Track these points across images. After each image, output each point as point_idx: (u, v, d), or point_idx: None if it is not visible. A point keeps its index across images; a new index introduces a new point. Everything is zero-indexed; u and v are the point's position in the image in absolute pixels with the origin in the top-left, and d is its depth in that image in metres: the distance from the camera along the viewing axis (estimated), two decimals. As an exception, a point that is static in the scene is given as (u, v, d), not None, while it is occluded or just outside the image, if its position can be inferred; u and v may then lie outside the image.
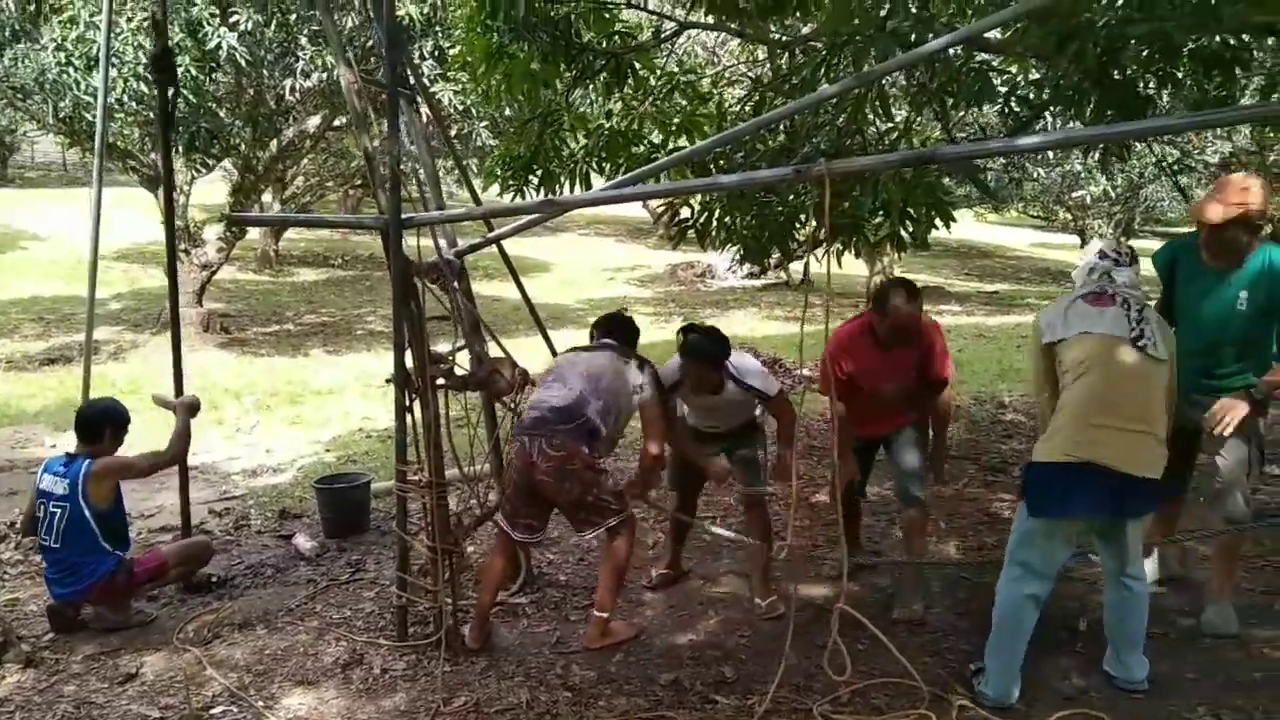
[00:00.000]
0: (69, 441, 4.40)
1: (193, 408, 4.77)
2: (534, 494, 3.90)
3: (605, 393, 3.92)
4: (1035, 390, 3.51)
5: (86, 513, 4.19)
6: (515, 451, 3.94)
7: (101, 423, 4.39)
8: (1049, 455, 3.28)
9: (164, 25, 4.93)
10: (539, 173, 5.58)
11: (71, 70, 9.05)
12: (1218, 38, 3.94)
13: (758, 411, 4.42)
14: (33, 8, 9.49)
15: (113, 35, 7.62)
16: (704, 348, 4.09)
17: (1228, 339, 3.76)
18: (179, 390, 5.02)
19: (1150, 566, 4.33)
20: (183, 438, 4.63)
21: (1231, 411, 3.59)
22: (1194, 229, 3.88)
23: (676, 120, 5.44)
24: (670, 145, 5.43)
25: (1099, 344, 3.25)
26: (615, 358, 4.06)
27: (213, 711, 3.54)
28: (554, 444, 3.80)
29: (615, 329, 4.27)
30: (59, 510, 4.20)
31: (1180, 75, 4.43)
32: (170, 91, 4.85)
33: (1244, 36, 4.03)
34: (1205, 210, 3.66)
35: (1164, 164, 13.85)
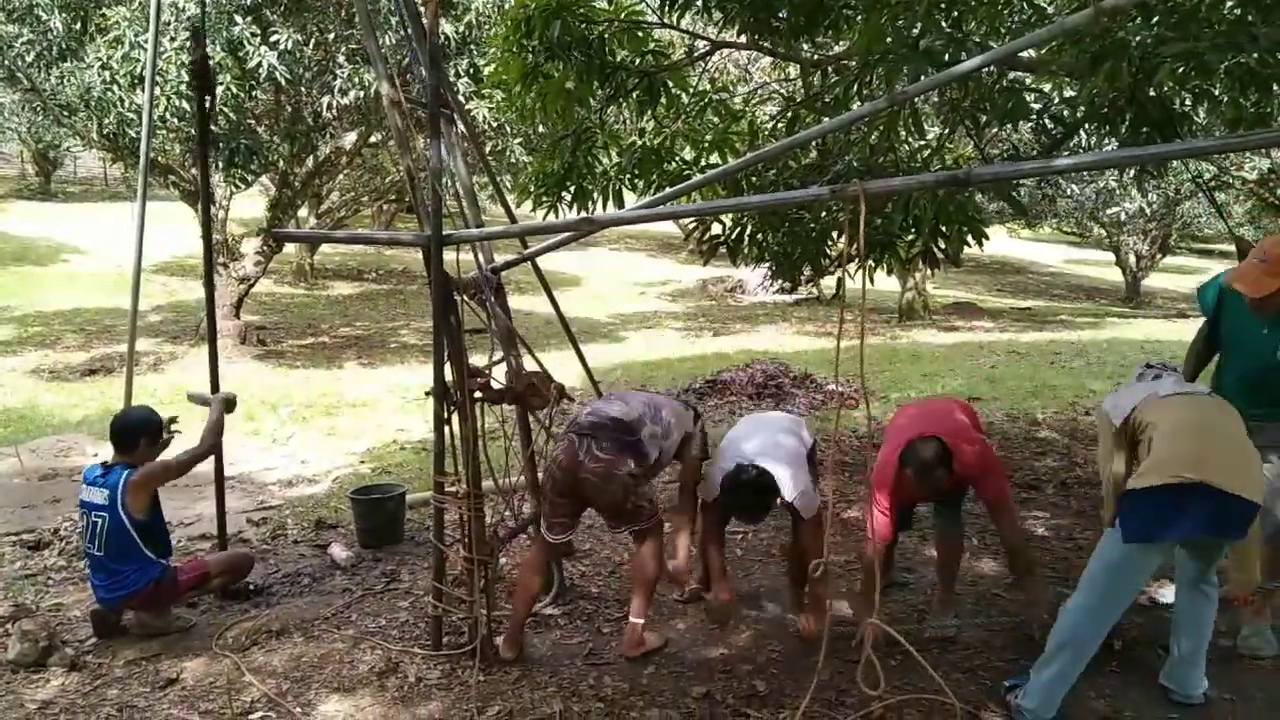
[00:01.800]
0: (110, 450, 4.50)
1: (228, 402, 4.82)
2: (574, 492, 3.96)
3: (663, 423, 4.04)
4: (1103, 465, 3.54)
5: (126, 522, 4.27)
6: (562, 449, 4.00)
7: (136, 432, 4.44)
8: (1156, 479, 3.19)
9: (203, 38, 5.02)
10: (572, 189, 5.66)
11: (116, 88, 9.26)
12: (1254, 56, 3.93)
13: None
14: (79, 27, 9.73)
15: (157, 54, 7.80)
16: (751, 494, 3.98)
17: (1268, 384, 3.73)
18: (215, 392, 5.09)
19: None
20: (215, 430, 4.67)
21: None
22: (1234, 250, 3.88)
23: (709, 138, 5.50)
24: (703, 162, 5.48)
25: (1172, 395, 3.38)
26: (678, 405, 4.27)
27: (251, 717, 3.60)
28: (603, 448, 3.87)
29: None
30: (100, 520, 4.28)
31: (1216, 93, 4.42)
32: (207, 101, 4.92)
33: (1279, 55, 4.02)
34: (1253, 282, 3.54)
35: (1200, 180, 13.73)
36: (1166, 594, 4.36)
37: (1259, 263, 3.54)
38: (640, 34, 5.63)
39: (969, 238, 4.91)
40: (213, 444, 4.69)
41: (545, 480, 4.06)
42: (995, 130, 6.09)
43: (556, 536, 4.08)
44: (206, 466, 4.94)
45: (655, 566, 4.01)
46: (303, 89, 10.83)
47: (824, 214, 5.46)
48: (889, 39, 4.35)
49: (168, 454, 4.55)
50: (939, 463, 3.78)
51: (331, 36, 10.35)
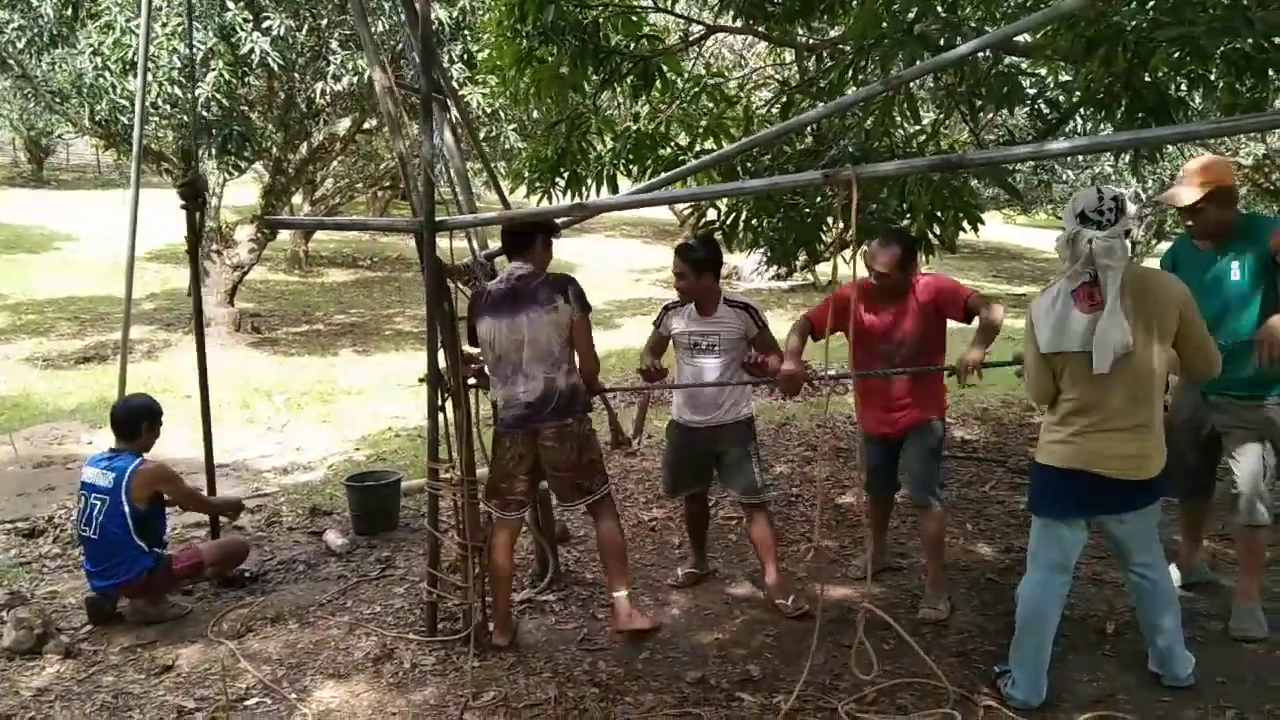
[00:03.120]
0: (104, 438, 4.52)
1: (237, 508, 5.18)
2: (534, 465, 3.96)
3: (557, 356, 3.87)
4: (1029, 380, 3.41)
5: (126, 509, 4.28)
6: (511, 441, 3.96)
7: (137, 418, 4.51)
8: (1047, 459, 3.32)
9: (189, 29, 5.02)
10: (566, 175, 5.63)
11: (108, 74, 9.19)
12: (1249, 41, 3.92)
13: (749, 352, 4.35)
14: (70, 13, 9.65)
15: (149, 40, 7.75)
16: (701, 248, 4.26)
17: (1232, 316, 3.74)
18: (204, 386, 5.09)
19: (1173, 576, 4.32)
20: (216, 507, 5.06)
21: (1271, 338, 3.46)
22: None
23: (704, 123, 5.48)
24: (698, 148, 5.46)
25: (1085, 363, 3.15)
26: (541, 311, 3.83)
27: (247, 703, 3.61)
28: (545, 423, 3.87)
29: (520, 244, 3.98)
30: (99, 502, 4.30)
31: (1212, 78, 4.41)
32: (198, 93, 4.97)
33: (1276, 40, 4.01)
34: (1176, 197, 3.75)
35: (1178, 179, 13.71)
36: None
37: (1179, 184, 3.75)
38: (635, 18, 5.60)
39: (964, 223, 4.90)
40: (210, 512, 5.05)
41: (508, 459, 3.98)
42: (990, 115, 6.08)
43: (515, 515, 4.05)
44: (198, 453, 4.97)
45: (620, 537, 4.04)
46: (296, 75, 10.75)
47: (819, 199, 5.45)
48: (884, 23, 4.33)
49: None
50: (903, 250, 4.00)
51: (324, 22, 10.27)
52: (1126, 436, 3.19)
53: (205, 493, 5.12)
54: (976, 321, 3.99)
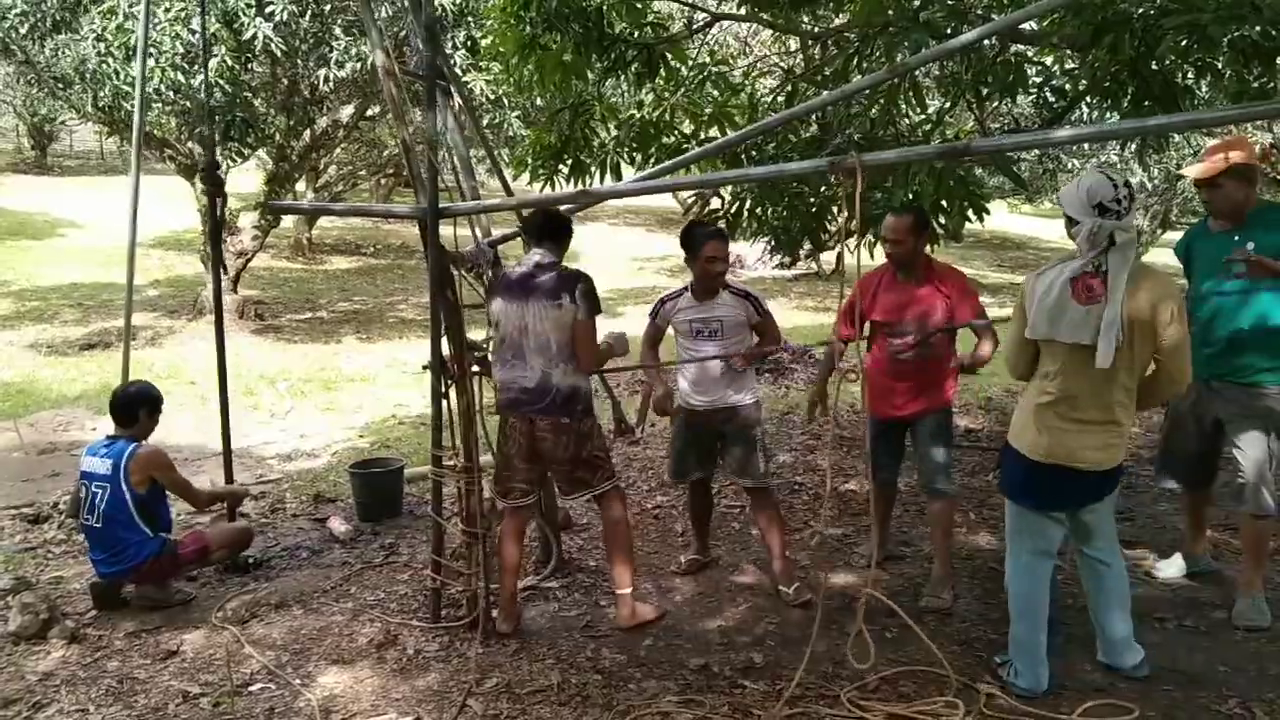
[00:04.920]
0: (108, 424, 4.53)
1: (239, 497, 5.18)
2: (532, 453, 3.96)
3: (554, 352, 3.85)
4: (1010, 357, 3.37)
5: (126, 494, 4.30)
6: (508, 426, 4.00)
7: (135, 405, 4.52)
8: (1023, 448, 3.31)
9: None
10: (569, 162, 5.62)
11: (111, 60, 9.16)
12: (1257, 28, 3.90)
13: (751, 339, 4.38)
14: (73, -1, 9.63)
15: (151, 26, 7.73)
16: (704, 225, 4.35)
17: (1241, 300, 3.74)
18: (222, 375, 5.09)
19: (1176, 565, 4.33)
20: (211, 500, 4.98)
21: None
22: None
23: (708, 111, 5.46)
24: (702, 136, 5.45)
25: (1071, 354, 3.13)
26: (546, 306, 3.83)
27: (251, 688, 3.62)
28: (540, 414, 3.88)
29: (547, 234, 3.99)
30: (100, 490, 4.31)
31: (1219, 66, 4.38)
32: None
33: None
34: (1195, 170, 3.80)
35: (1201, 155, 13.66)
36: (1162, 568, 4.39)
37: (1202, 161, 3.83)
38: (639, 5, 5.58)
39: (970, 213, 4.88)
40: (203, 504, 4.96)
41: (508, 445, 4.01)
42: (996, 104, 6.05)
43: (515, 502, 4.06)
44: (209, 440, 4.96)
45: (626, 530, 4.05)
46: (299, 61, 10.72)
47: (823, 188, 5.44)
48: (889, 10, 4.32)
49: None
50: (915, 219, 4.08)
51: (328, 8, 10.24)
52: (1101, 429, 3.18)
53: (223, 480, 5.15)
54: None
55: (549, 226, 3.99)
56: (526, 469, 4.01)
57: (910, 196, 4.70)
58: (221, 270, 5.26)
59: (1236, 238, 3.76)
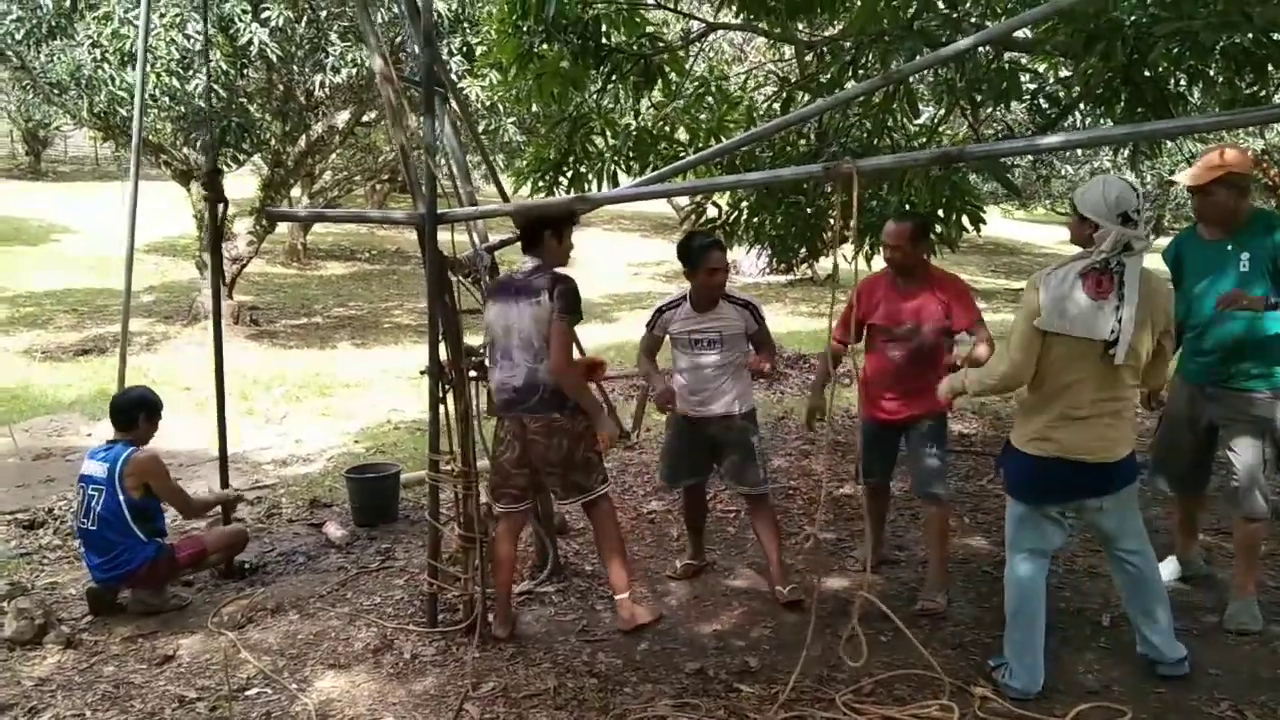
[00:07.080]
0: (104, 430, 4.53)
1: (231, 501, 5.13)
2: (526, 458, 3.97)
3: (537, 348, 3.87)
4: (1015, 349, 3.32)
5: (121, 499, 4.30)
6: (501, 428, 4.03)
7: (134, 409, 4.52)
8: (1022, 445, 3.36)
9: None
10: (569, 174, 5.65)
11: (106, 66, 9.18)
12: (1248, 35, 3.93)
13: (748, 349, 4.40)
14: (68, 4, 9.63)
15: (148, 32, 7.74)
16: (702, 236, 4.40)
17: (1233, 313, 3.74)
18: (220, 381, 5.10)
19: (1170, 568, 4.34)
20: (204, 509, 4.98)
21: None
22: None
23: (706, 124, 5.48)
24: (699, 147, 5.46)
25: (1079, 348, 3.20)
26: (527, 303, 3.86)
27: (248, 693, 3.63)
28: (533, 413, 3.90)
29: (528, 238, 4.01)
30: (96, 494, 4.32)
31: (1211, 73, 4.42)
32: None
33: (1275, 35, 4.02)
34: (1187, 176, 3.81)
35: (1195, 161, 13.73)
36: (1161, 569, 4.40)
37: (1194, 168, 3.82)
38: (637, 19, 5.59)
39: (966, 222, 4.91)
40: (195, 512, 4.95)
41: (502, 451, 4.02)
42: (990, 111, 6.08)
43: (509, 506, 4.07)
44: (205, 445, 4.95)
45: (618, 534, 4.08)
46: (295, 67, 10.75)
47: (819, 197, 5.46)
48: (884, 18, 4.34)
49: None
50: (915, 226, 4.07)
51: (324, 14, 10.27)
52: (1106, 422, 3.25)
53: (218, 485, 5.16)
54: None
55: (528, 234, 4.01)
56: (520, 475, 4.02)
57: (905, 204, 4.73)
58: (207, 272, 5.25)
59: (1229, 247, 3.77)
